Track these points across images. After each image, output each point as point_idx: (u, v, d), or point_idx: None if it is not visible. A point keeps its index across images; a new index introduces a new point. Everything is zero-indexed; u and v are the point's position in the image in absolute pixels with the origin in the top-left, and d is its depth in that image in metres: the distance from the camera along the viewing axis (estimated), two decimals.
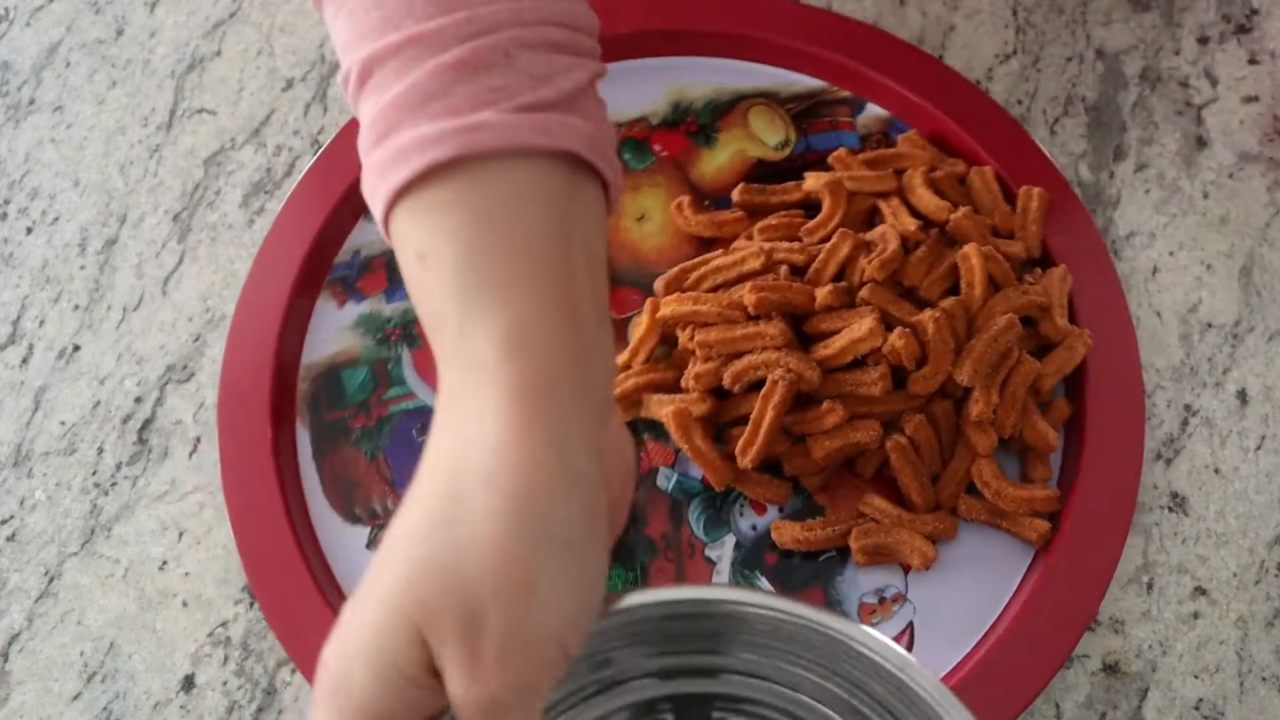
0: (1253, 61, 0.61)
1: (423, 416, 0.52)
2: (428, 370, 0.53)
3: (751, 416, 0.48)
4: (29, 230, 0.58)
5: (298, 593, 0.48)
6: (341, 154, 0.56)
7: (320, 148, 0.57)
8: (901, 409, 0.50)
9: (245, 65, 0.62)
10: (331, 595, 0.48)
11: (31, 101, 0.61)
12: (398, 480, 0.51)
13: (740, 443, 0.49)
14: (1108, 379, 0.52)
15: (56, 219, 0.58)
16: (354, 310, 0.54)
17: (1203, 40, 0.61)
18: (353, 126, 0.56)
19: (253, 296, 0.53)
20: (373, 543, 0.50)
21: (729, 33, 0.58)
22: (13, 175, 0.59)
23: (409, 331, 0.54)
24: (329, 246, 0.55)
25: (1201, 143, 0.59)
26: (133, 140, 0.60)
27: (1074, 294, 0.53)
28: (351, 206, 0.55)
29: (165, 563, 0.51)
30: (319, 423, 0.52)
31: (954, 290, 0.52)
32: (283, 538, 0.49)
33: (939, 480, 0.50)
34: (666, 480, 0.51)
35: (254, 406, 0.51)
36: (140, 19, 0.63)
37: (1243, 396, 0.54)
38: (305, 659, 0.47)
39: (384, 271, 0.55)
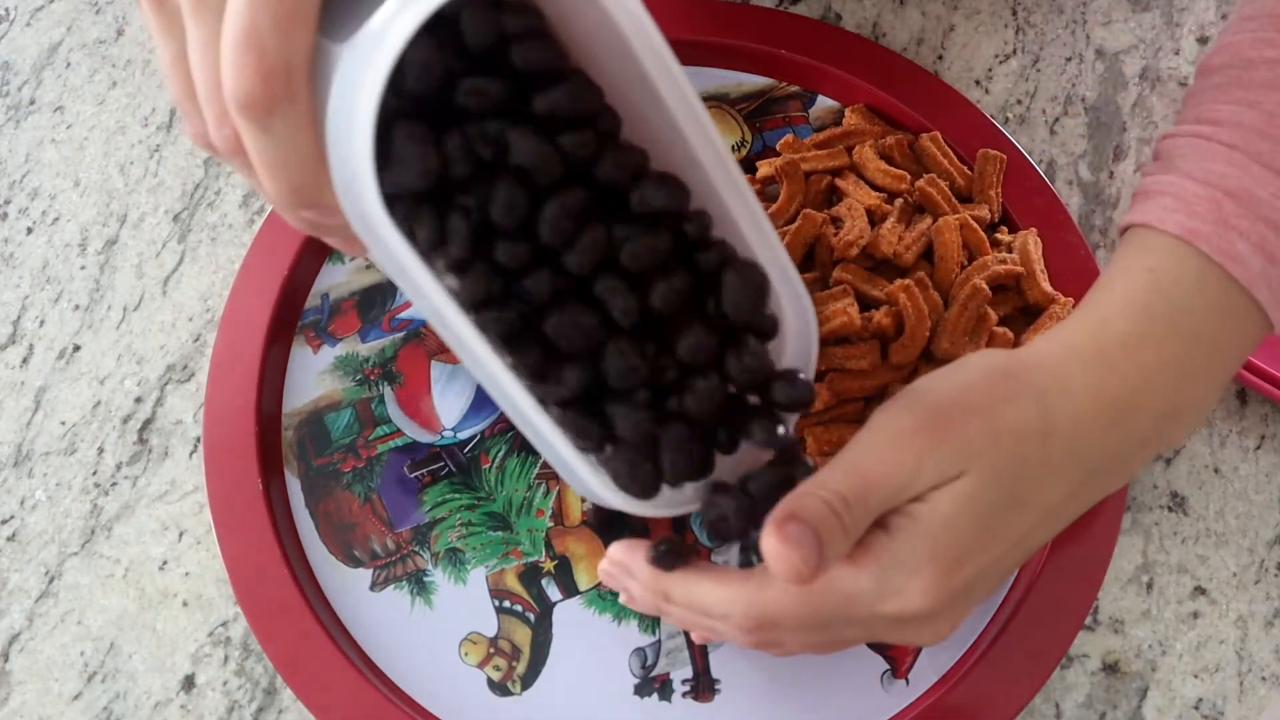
0: None
1: (412, 452, 0.51)
2: (412, 407, 0.52)
3: None
4: (29, 230, 0.58)
5: (307, 644, 0.47)
6: None
7: None
8: (888, 380, 0.50)
9: None
10: (342, 642, 0.48)
11: (32, 102, 0.61)
12: (394, 519, 0.50)
13: None
14: None
15: (57, 219, 0.58)
16: (330, 354, 0.54)
17: (1202, 40, 0.62)
18: None
19: (226, 351, 0.53)
20: (376, 584, 0.49)
21: (671, 38, 0.58)
22: (13, 175, 0.59)
23: (388, 370, 0.53)
24: (297, 293, 0.54)
25: None
26: (133, 140, 0.60)
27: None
28: (315, 249, 0.55)
29: (165, 563, 0.51)
30: (308, 470, 0.51)
31: (929, 252, 0.52)
32: (285, 589, 0.48)
33: None
34: None
35: (241, 461, 0.50)
36: (140, 19, 0.63)
37: (1242, 396, 0.54)
38: (321, 708, 0.46)
39: (355, 312, 0.54)
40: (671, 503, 0.40)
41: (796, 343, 0.42)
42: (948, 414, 0.38)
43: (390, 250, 0.32)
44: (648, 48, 0.35)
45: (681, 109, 0.36)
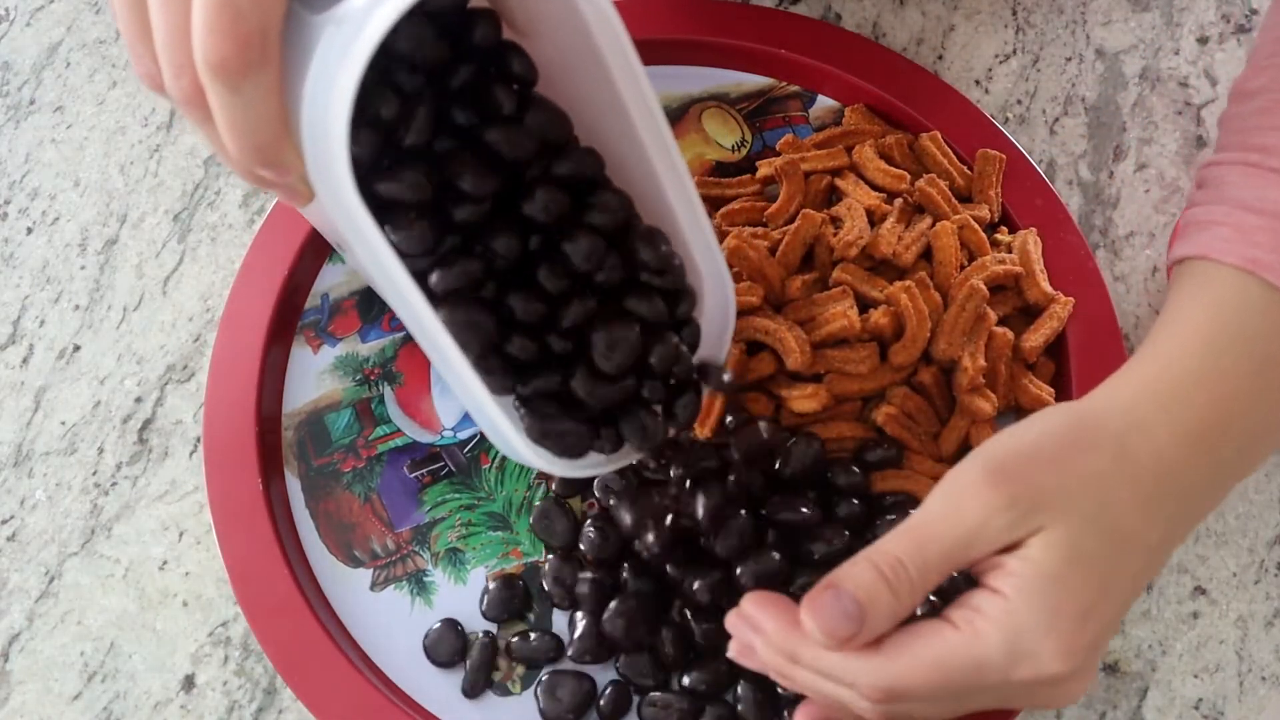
0: None
1: (412, 452, 0.51)
2: (412, 406, 0.52)
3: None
4: (29, 230, 0.58)
5: (307, 644, 0.47)
6: None
7: None
8: (888, 382, 0.50)
9: None
10: (342, 642, 0.48)
11: (32, 102, 0.61)
12: (394, 519, 0.50)
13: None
14: (1087, 333, 0.52)
15: (57, 219, 0.58)
16: (330, 354, 0.54)
17: (1202, 40, 0.62)
18: None
19: (226, 351, 0.52)
20: (376, 584, 0.49)
21: (672, 39, 0.58)
22: (13, 175, 0.59)
23: (388, 369, 0.53)
24: (297, 293, 0.54)
25: (1201, 143, 0.59)
26: (133, 140, 0.60)
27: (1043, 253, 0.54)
28: (315, 249, 0.55)
29: (165, 563, 0.51)
30: (308, 470, 0.51)
31: (929, 252, 0.52)
32: (285, 589, 0.48)
33: (940, 436, 0.50)
34: None
35: (241, 461, 0.50)
36: None
37: None
38: (321, 708, 0.46)
39: (355, 312, 0.54)
40: (589, 465, 0.43)
41: (710, 325, 0.44)
42: (1016, 467, 0.37)
43: (350, 213, 0.34)
44: (609, 34, 0.37)
45: (632, 94, 0.39)
